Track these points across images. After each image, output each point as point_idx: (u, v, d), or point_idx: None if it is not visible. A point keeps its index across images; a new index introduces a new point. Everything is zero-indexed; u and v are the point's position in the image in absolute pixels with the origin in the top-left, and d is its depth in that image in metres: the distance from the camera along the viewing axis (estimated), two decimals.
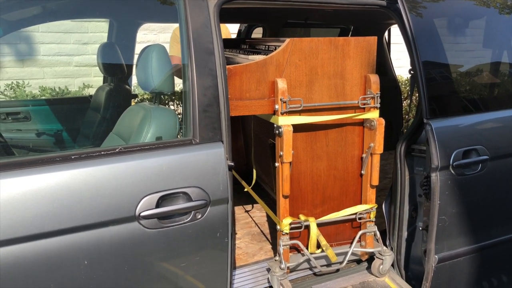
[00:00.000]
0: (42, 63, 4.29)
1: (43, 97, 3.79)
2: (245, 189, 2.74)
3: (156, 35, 4.86)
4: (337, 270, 2.23)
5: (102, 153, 1.45)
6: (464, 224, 2.04)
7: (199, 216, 1.54)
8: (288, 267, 2.06)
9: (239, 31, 3.66)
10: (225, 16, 3.25)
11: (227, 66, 1.84)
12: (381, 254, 2.18)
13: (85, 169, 1.40)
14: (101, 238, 1.40)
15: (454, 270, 2.08)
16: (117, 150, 1.47)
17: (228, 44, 2.97)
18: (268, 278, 2.09)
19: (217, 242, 1.59)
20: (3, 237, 1.28)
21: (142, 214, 1.44)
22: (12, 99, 3.73)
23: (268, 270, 2.14)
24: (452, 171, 1.95)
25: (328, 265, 2.18)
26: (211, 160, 1.57)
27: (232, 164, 1.66)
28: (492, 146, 2.05)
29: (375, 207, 2.18)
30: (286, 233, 2.04)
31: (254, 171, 2.86)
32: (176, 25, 3.80)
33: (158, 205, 1.47)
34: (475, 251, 2.10)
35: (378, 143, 2.06)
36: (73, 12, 2.63)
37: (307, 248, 2.09)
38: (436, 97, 1.99)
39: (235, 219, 1.77)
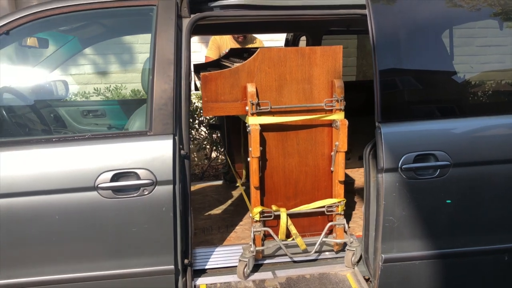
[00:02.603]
0: (138, 70, 5.14)
1: (116, 99, 4.59)
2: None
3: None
4: (315, 260, 2.40)
5: (75, 138, 1.97)
6: (419, 228, 2.05)
7: (146, 192, 1.94)
8: (258, 251, 2.32)
9: (286, 39, 3.94)
10: (264, 27, 3.59)
11: (203, 73, 2.20)
12: (350, 245, 2.30)
13: (63, 148, 1.92)
14: (70, 200, 1.90)
15: (408, 272, 2.10)
16: (87, 136, 1.97)
17: (238, 54, 3.31)
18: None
19: (162, 216, 1.96)
20: (8, 191, 1.85)
21: (100, 185, 1.90)
22: (93, 100, 4.61)
23: None
24: (402, 174, 2.00)
25: (298, 253, 2.37)
26: (160, 149, 1.96)
27: (185, 153, 2.02)
28: (456, 153, 2.02)
29: (343, 201, 2.32)
30: (257, 221, 2.31)
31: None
32: None
33: (112, 180, 1.91)
34: (435, 257, 2.09)
35: (342, 142, 2.21)
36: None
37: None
38: (390, 102, 2.05)
39: (189, 200, 2.09)
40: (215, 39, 4.43)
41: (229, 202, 3.28)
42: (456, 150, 2.03)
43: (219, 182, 3.74)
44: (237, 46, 4.29)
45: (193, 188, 3.63)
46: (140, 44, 5.24)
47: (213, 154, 4.90)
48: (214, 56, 4.29)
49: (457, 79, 2.19)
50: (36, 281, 1.93)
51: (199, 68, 3.49)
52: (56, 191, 1.89)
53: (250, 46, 4.35)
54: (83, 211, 1.92)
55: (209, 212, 3.08)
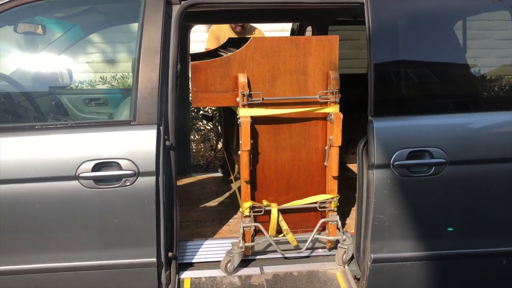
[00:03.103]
0: None
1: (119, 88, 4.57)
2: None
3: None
4: (307, 257, 2.33)
5: (58, 125, 1.93)
6: (411, 228, 1.96)
7: (128, 183, 1.89)
8: (247, 247, 2.26)
9: (292, 30, 3.83)
10: (267, 15, 3.50)
11: (192, 62, 2.14)
12: (342, 243, 2.22)
13: (45, 136, 1.88)
14: (51, 189, 1.87)
15: (399, 273, 2.02)
16: (69, 124, 1.93)
17: (236, 43, 3.22)
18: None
19: (144, 207, 1.92)
20: None
21: (81, 175, 1.87)
22: (96, 88, 4.59)
23: None
24: (394, 171, 1.91)
25: (289, 250, 2.30)
26: (143, 139, 1.91)
27: (170, 144, 1.97)
28: (453, 150, 1.92)
29: (337, 197, 2.23)
30: (247, 216, 2.24)
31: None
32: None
33: (94, 169, 1.88)
34: (428, 258, 2.00)
35: (336, 136, 2.12)
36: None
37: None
38: (384, 95, 1.96)
39: (175, 192, 2.04)
40: (213, 30, 4.34)
41: (227, 194, 3.23)
42: (453, 147, 1.93)
43: (220, 174, 3.69)
44: (236, 34, 4.20)
45: (193, 179, 3.59)
46: None
47: (219, 146, 4.85)
48: (213, 47, 4.21)
49: (456, 73, 2.08)
50: (16, 269, 1.92)
51: (196, 57, 3.43)
52: (37, 179, 1.86)
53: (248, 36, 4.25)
54: (64, 201, 1.89)
55: (205, 204, 3.04)
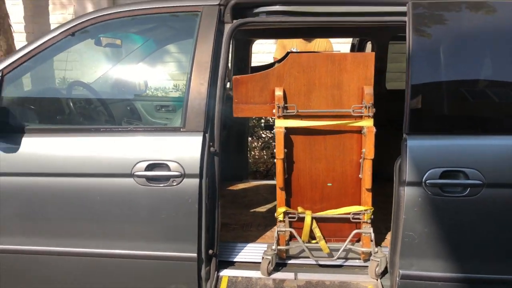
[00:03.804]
0: None
1: None
2: None
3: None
4: (341, 266, 2.40)
5: (120, 129, 2.20)
6: (443, 248, 1.96)
7: (175, 184, 2.11)
8: (281, 250, 2.38)
9: (352, 45, 3.89)
10: (325, 31, 3.60)
11: (234, 77, 2.33)
12: (375, 255, 2.27)
13: (107, 137, 2.17)
14: (109, 184, 2.15)
15: None
16: (129, 128, 2.20)
17: None
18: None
19: (188, 206, 2.12)
20: (60, 171, 2.16)
21: (135, 173, 2.12)
22: (167, 96, 4.95)
23: None
24: (426, 189, 1.93)
25: (322, 257, 2.38)
26: (190, 144, 2.12)
27: (215, 150, 2.16)
28: (491, 172, 1.89)
29: (370, 209, 2.28)
30: (281, 221, 2.37)
31: None
32: None
33: (147, 169, 2.12)
34: (459, 281, 1.97)
35: (368, 149, 2.19)
36: None
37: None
38: (419, 114, 1.98)
39: (218, 194, 2.21)
40: (281, 40, 4.52)
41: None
42: (492, 169, 1.90)
43: (274, 182, 3.83)
44: (303, 43, 4.33)
45: (248, 185, 3.77)
46: None
47: None
48: (279, 56, 4.38)
49: (494, 94, 2.04)
50: (78, 252, 2.21)
51: (256, 70, 3.62)
52: (99, 174, 2.15)
53: (315, 45, 4.35)
54: (121, 195, 2.15)
55: (255, 209, 3.20)
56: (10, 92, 2.34)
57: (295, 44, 4.37)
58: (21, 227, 2.23)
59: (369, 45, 3.88)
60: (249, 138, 5.10)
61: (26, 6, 6.12)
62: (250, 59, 3.83)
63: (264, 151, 5.23)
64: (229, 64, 3.79)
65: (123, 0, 6.09)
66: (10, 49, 4.79)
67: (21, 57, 2.25)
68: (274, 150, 2.31)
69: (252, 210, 3.20)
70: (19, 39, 5.86)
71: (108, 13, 2.28)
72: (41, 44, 2.26)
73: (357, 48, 3.84)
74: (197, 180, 2.11)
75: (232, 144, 3.81)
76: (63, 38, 2.27)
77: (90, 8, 5.91)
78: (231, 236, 2.71)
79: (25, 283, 2.30)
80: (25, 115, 2.46)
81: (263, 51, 5.63)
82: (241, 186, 3.74)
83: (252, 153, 5.11)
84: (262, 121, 4.72)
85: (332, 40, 4.78)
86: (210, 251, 2.23)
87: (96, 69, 3.68)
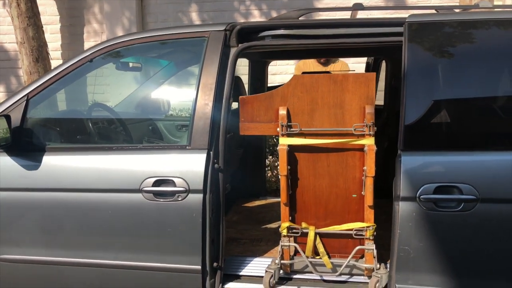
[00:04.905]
0: None
1: None
2: None
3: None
4: (345, 282, 2.43)
5: (130, 147, 2.36)
6: (438, 263, 1.97)
7: (180, 199, 2.23)
8: (284, 264, 2.44)
9: (367, 63, 3.95)
10: (339, 51, 3.68)
11: (241, 97, 2.45)
12: (376, 271, 2.29)
13: (118, 155, 2.33)
14: (119, 199, 2.30)
15: None
16: (138, 147, 2.35)
17: None
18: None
19: (192, 220, 2.23)
20: (75, 186, 2.33)
21: (143, 189, 2.26)
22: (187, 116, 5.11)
23: None
24: (420, 204, 1.96)
25: (325, 272, 2.42)
26: (195, 161, 2.24)
27: (219, 166, 2.28)
28: (485, 188, 1.91)
29: (373, 226, 2.31)
30: (285, 236, 2.44)
31: None
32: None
33: (154, 185, 2.25)
34: None
35: (369, 167, 2.24)
36: None
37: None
38: (414, 130, 2.02)
39: (222, 209, 2.31)
40: (298, 65, 4.64)
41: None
42: (485, 185, 1.91)
43: None
44: (319, 67, 4.42)
45: (264, 202, 3.86)
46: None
47: None
48: None
49: (487, 110, 2.05)
50: (91, 263, 2.35)
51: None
52: (110, 190, 2.30)
53: (332, 67, 4.44)
54: (129, 209, 2.29)
55: (266, 226, 3.27)
56: (34, 113, 2.56)
57: (312, 68, 4.47)
58: (41, 239, 2.40)
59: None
60: (270, 157, 5.22)
61: (63, 35, 6.55)
62: (267, 79, 3.96)
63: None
64: (246, 84, 3.94)
65: (153, 26, 6.39)
66: None
67: (45, 82, 2.47)
68: None
69: (264, 226, 3.27)
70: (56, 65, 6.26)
71: (122, 40, 2.47)
72: (62, 70, 2.47)
73: (371, 66, 3.90)
74: (201, 196, 2.22)
75: (249, 162, 3.92)
76: (82, 64, 2.48)
77: (120, 34, 6.25)
78: (240, 250, 2.80)
79: None
80: (48, 135, 2.67)
81: (286, 72, 5.77)
82: (257, 203, 3.82)
83: (275, 171, 5.20)
84: None
85: (350, 60, 4.86)
86: (215, 264, 2.33)
87: (121, 91, 3.90)
